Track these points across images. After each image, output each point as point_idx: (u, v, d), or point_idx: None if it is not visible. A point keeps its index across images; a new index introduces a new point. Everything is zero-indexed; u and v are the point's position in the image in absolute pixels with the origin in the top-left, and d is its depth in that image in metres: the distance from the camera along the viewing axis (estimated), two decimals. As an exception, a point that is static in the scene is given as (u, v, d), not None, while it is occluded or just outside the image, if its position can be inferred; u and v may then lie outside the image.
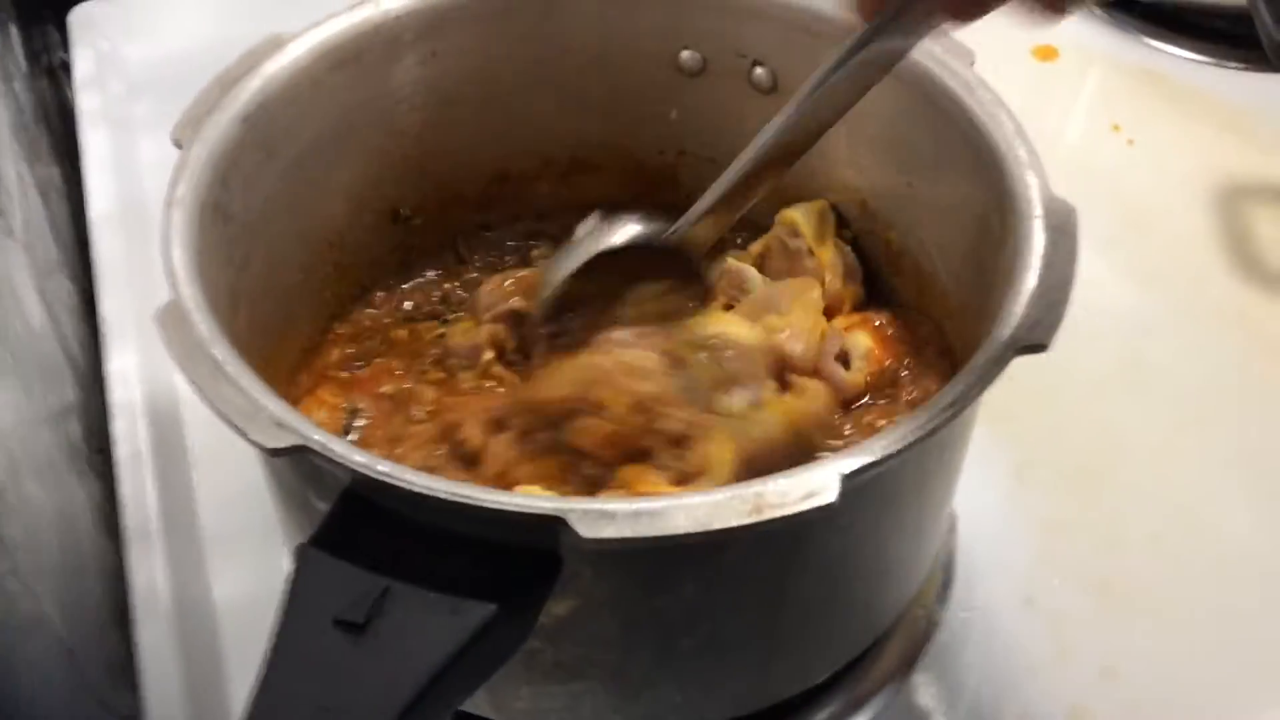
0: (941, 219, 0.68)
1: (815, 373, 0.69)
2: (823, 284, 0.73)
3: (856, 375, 0.69)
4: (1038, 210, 0.57)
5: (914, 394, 0.69)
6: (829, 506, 0.46)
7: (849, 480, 0.46)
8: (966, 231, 0.65)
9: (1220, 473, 0.80)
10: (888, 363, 0.70)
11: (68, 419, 0.83)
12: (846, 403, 0.69)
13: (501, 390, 0.69)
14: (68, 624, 0.70)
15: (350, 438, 0.67)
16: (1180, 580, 0.74)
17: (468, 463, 0.62)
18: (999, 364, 0.50)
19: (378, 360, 0.73)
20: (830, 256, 0.74)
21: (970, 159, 0.62)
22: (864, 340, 0.70)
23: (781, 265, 0.75)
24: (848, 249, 0.75)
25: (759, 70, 0.73)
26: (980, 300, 0.62)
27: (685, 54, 0.74)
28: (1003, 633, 0.71)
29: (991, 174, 0.60)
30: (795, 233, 0.74)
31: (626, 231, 0.64)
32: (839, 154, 0.74)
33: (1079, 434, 0.82)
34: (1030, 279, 0.54)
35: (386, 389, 0.70)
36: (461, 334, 0.71)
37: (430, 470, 0.55)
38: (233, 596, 0.73)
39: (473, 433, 0.62)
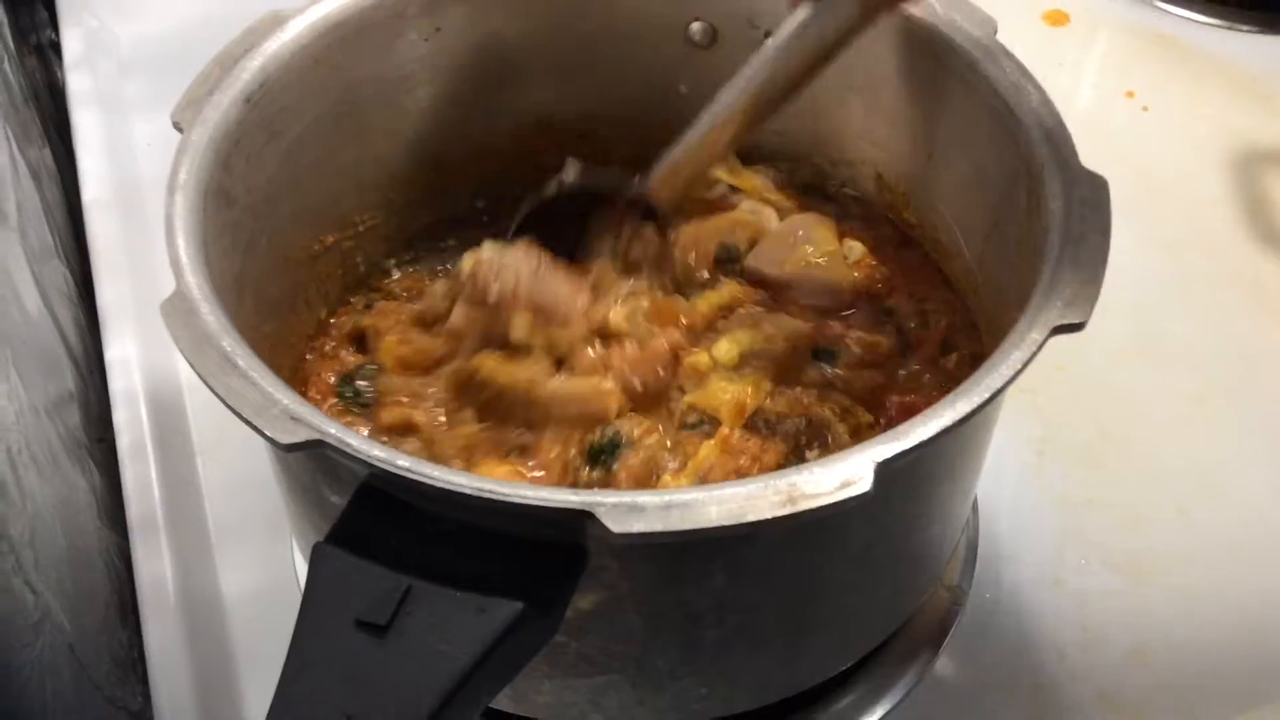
0: (963, 192, 0.66)
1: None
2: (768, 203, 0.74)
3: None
4: (1068, 183, 0.55)
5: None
6: (864, 495, 0.44)
7: (884, 468, 0.45)
8: (990, 204, 0.63)
9: (1242, 442, 0.79)
10: (882, 266, 0.72)
11: (67, 408, 0.81)
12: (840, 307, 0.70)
13: None
14: (73, 621, 0.68)
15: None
16: (1207, 556, 0.73)
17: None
18: (1036, 344, 0.49)
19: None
20: (754, 179, 0.74)
21: (994, 130, 0.61)
22: (858, 246, 0.72)
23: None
24: (759, 167, 0.75)
25: (772, 41, 0.71)
26: (1005, 275, 0.61)
27: (695, 25, 0.72)
28: (1029, 614, 0.70)
29: (1017, 145, 0.59)
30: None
31: (595, 178, 0.67)
32: (853, 126, 0.72)
33: (1098, 405, 0.81)
34: (1064, 255, 0.52)
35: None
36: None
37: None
38: (241, 588, 0.72)
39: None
